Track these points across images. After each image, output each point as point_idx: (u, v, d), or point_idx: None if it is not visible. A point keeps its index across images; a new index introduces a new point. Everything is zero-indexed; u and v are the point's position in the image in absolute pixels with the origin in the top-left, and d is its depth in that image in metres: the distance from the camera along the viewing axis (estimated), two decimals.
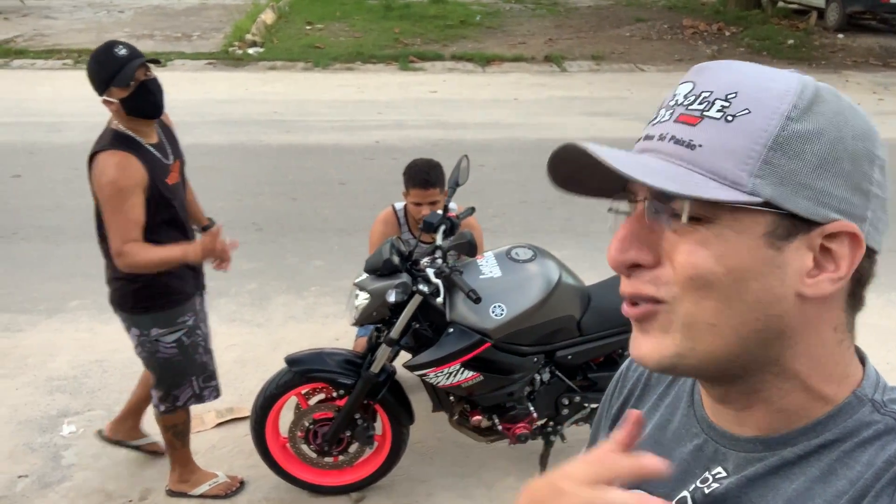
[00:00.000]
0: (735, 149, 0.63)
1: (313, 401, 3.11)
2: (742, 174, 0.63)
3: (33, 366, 4.01)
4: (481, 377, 2.81)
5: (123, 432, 3.36)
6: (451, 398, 3.00)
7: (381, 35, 12.98)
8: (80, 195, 6.18)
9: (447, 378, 2.80)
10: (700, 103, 0.66)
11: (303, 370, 2.98)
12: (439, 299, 2.75)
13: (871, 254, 0.68)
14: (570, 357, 2.95)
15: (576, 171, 0.71)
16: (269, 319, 4.50)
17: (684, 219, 0.65)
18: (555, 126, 8.37)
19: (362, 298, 2.81)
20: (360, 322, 2.87)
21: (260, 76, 10.58)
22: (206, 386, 3.06)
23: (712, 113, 0.65)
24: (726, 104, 0.65)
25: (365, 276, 2.87)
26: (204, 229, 3.19)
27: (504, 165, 7.05)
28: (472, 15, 14.72)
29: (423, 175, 3.26)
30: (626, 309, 0.70)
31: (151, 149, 2.74)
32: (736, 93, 0.65)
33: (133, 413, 3.35)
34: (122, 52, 2.61)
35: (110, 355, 4.12)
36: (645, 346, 0.69)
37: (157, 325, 2.85)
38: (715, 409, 0.76)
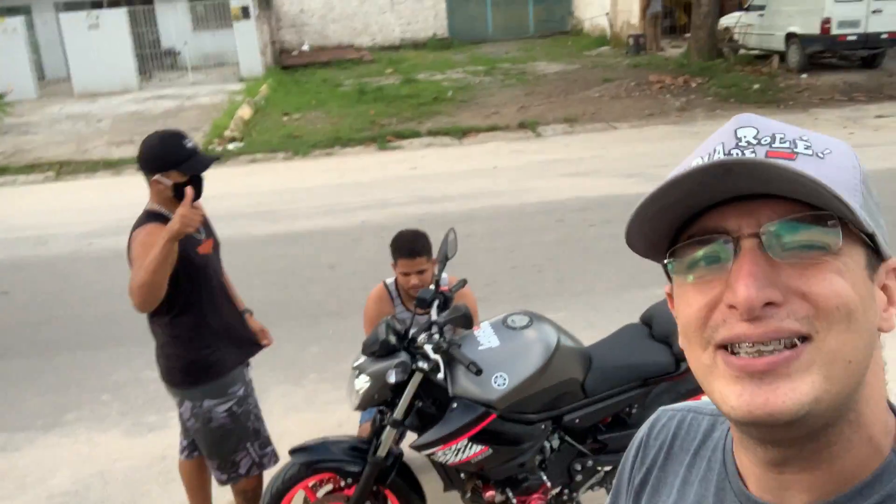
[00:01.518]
0: (842, 181, 0.63)
1: (321, 493, 3.04)
2: (856, 205, 0.62)
3: (32, 484, 3.92)
4: (490, 450, 2.76)
5: None
6: (462, 475, 2.94)
7: (357, 119, 13.22)
8: (70, 305, 6.19)
9: (455, 455, 2.75)
10: (782, 143, 0.66)
11: (308, 462, 2.92)
12: (440, 375, 2.72)
13: None
14: (577, 420, 2.91)
15: (650, 220, 0.69)
16: (269, 412, 4.41)
17: (831, 242, 0.62)
18: (536, 190, 8.47)
19: (362, 382, 2.77)
20: (363, 406, 2.83)
21: (242, 170, 10.71)
22: (264, 453, 3.12)
23: (801, 150, 0.65)
24: (808, 143, 0.65)
25: (363, 358, 2.84)
26: (243, 313, 3.29)
27: (490, 233, 7.09)
28: (444, 91, 15.05)
29: (409, 245, 3.29)
30: (755, 362, 0.62)
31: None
32: (806, 135, 0.67)
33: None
34: (191, 144, 2.84)
35: (111, 465, 4.03)
36: (778, 395, 0.61)
37: (208, 396, 2.94)
38: (759, 478, 0.70)
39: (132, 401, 4.68)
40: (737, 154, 0.65)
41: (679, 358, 2.89)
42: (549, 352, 2.81)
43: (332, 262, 6.72)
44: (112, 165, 11.24)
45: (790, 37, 14.35)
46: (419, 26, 24.24)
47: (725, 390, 0.64)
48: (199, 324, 2.92)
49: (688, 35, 16.98)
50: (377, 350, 2.77)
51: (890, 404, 0.70)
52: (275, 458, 3.16)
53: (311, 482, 2.99)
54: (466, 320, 2.74)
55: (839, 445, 0.65)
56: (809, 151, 0.65)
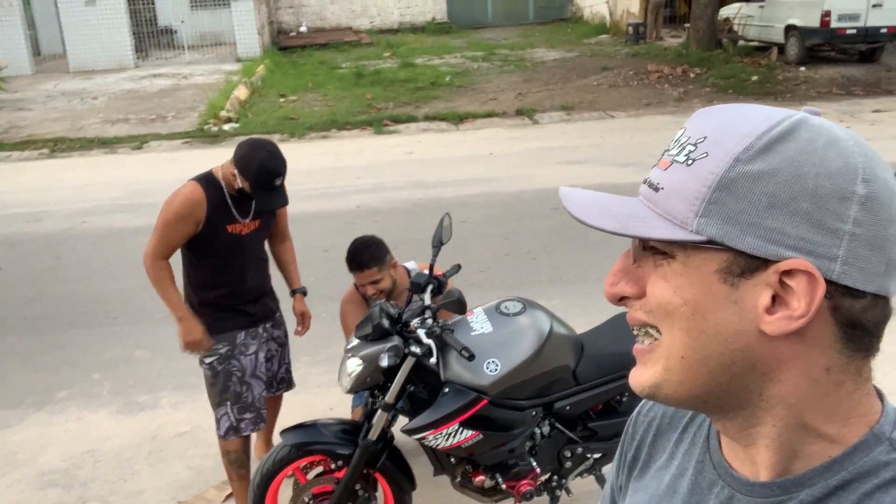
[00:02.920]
0: (686, 191, 0.67)
1: (311, 474, 3.05)
2: (689, 214, 0.66)
3: (23, 461, 3.92)
4: (481, 435, 2.77)
5: (261, 450, 3.84)
6: (452, 460, 2.95)
7: (354, 102, 13.17)
8: (63, 282, 6.17)
9: (446, 439, 2.76)
10: (678, 149, 0.70)
11: (298, 443, 2.93)
12: (433, 360, 2.72)
13: (858, 294, 0.65)
14: (568, 408, 2.92)
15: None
16: None
17: (658, 249, 0.70)
18: (532, 177, 8.46)
19: (355, 364, 2.78)
20: (355, 389, 2.84)
21: None
22: (241, 417, 3.27)
23: (680, 157, 0.69)
24: (693, 149, 0.69)
25: (356, 341, 2.85)
26: (293, 293, 3.65)
27: (485, 220, 7.09)
28: (442, 76, 14.99)
29: (356, 258, 3.26)
30: (634, 348, 0.75)
31: (229, 199, 3.13)
32: (705, 137, 0.68)
33: (265, 436, 3.85)
34: (279, 182, 3.03)
35: (101, 444, 4.04)
36: (634, 375, 0.74)
37: None
38: (729, 449, 0.77)
39: (123, 380, 4.68)
40: (665, 156, 0.72)
41: None
42: (541, 338, 2.81)
43: (326, 246, 6.70)
44: (107, 143, 11.17)
45: (790, 29, 14.32)
46: (418, 10, 24.09)
47: None
48: (206, 282, 3.25)
49: (688, 25, 16.91)
50: (370, 333, 2.77)
51: (876, 390, 0.72)
52: (252, 424, 3.30)
53: (301, 464, 3.00)
54: (460, 305, 2.74)
55: (763, 426, 0.71)
56: (685, 158, 0.69)
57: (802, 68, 13.85)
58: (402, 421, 2.94)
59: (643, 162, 8.63)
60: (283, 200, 3.11)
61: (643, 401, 0.93)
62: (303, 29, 23.23)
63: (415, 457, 3.18)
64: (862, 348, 0.68)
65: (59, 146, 11.19)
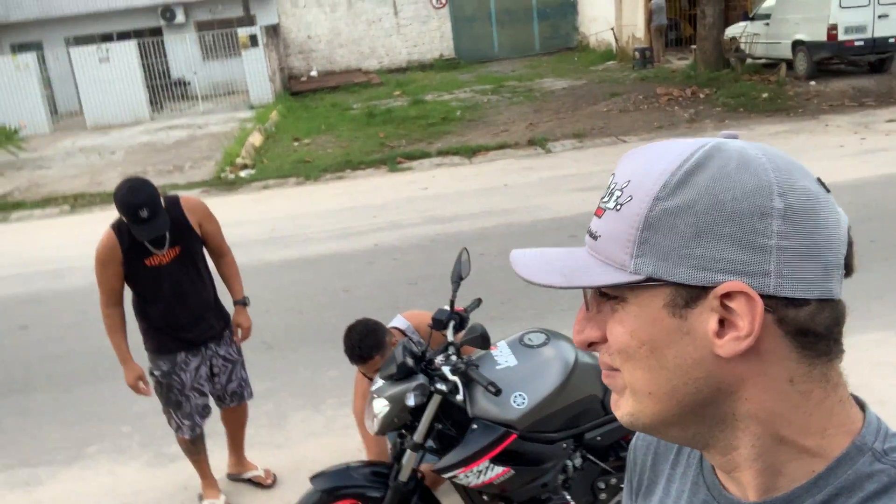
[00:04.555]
0: (618, 235, 0.70)
1: None
2: (626, 257, 0.69)
3: None
4: (512, 471, 2.75)
5: (233, 467, 4.12)
6: (485, 497, 2.92)
7: (367, 141, 13.29)
8: (88, 339, 6.22)
9: (477, 476, 2.74)
10: (608, 195, 0.73)
11: (329, 488, 2.91)
12: (459, 396, 2.71)
13: (802, 303, 0.67)
14: (599, 438, 2.89)
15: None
16: (289, 438, 4.43)
17: (609, 295, 0.73)
18: (547, 206, 8.47)
19: (381, 406, 2.77)
20: (382, 430, 2.82)
21: (254, 196, 10.77)
22: (182, 423, 3.74)
23: (610, 204, 0.72)
24: (620, 194, 0.72)
25: (381, 382, 2.84)
26: (235, 304, 3.89)
27: (503, 251, 7.08)
28: (452, 111, 15.12)
29: (356, 352, 3.17)
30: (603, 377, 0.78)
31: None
32: (629, 181, 0.71)
33: (232, 451, 4.10)
34: (144, 214, 3.23)
35: (134, 497, 4.04)
36: (613, 404, 0.77)
37: (149, 360, 3.71)
38: (722, 474, 0.78)
39: (152, 432, 4.69)
40: (600, 204, 0.75)
41: None
42: (567, 369, 2.80)
43: (346, 286, 6.73)
44: None
45: (797, 44, 14.34)
46: (426, 48, 24.40)
47: None
48: (144, 312, 3.63)
49: (694, 46, 16.99)
50: (395, 373, 2.76)
51: (859, 403, 0.74)
52: (190, 431, 3.75)
53: None
54: (483, 340, 2.73)
55: (744, 448, 0.72)
56: (615, 204, 0.72)
57: (813, 83, 13.84)
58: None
59: None
60: (158, 229, 3.29)
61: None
62: (313, 73, 23.58)
63: (447, 496, 3.15)
64: (821, 353, 0.69)
65: (79, 202, 11.36)
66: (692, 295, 0.68)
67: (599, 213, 0.74)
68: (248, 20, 20.44)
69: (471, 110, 15.19)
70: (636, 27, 19.88)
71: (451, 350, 2.80)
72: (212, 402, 3.87)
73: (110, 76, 18.27)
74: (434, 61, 23.88)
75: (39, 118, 18.23)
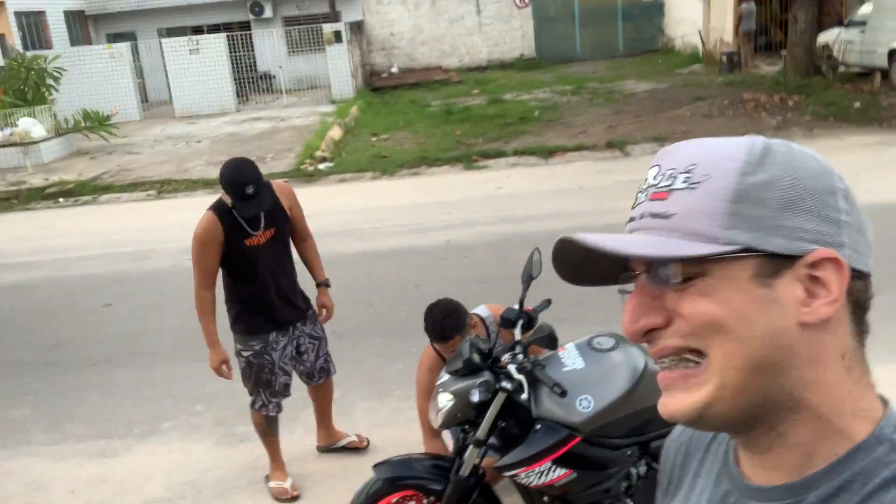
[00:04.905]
0: (703, 209, 0.72)
1: None
2: (716, 229, 0.71)
3: (130, 490, 4.08)
4: (574, 474, 2.73)
5: (324, 439, 4.27)
6: (546, 499, 2.91)
7: (444, 139, 13.35)
8: (168, 318, 6.44)
9: (539, 477, 2.73)
10: (667, 180, 0.75)
11: (391, 478, 2.95)
12: (524, 395, 2.70)
13: (861, 276, 0.73)
14: None
15: (581, 262, 0.80)
16: (354, 427, 4.49)
17: (678, 278, 0.72)
18: (622, 210, 8.26)
19: (445, 400, 2.79)
20: (446, 425, 2.84)
21: (331, 189, 10.96)
22: (270, 401, 3.87)
23: (678, 185, 0.74)
24: (689, 175, 0.74)
25: (447, 377, 2.86)
26: (317, 286, 4.07)
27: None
28: (531, 111, 15.05)
29: (438, 331, 3.16)
30: (663, 376, 0.75)
31: (239, 218, 3.55)
32: (695, 164, 0.74)
33: (321, 424, 4.25)
34: (250, 191, 3.41)
35: (203, 475, 4.16)
36: (673, 403, 0.75)
37: (237, 342, 3.81)
38: (745, 459, 0.80)
39: (224, 412, 4.83)
40: (639, 197, 0.78)
41: None
42: (635, 375, 2.76)
43: (417, 281, 6.78)
44: (210, 184, 11.67)
45: (894, 53, 13.74)
46: (506, 47, 24.35)
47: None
48: (239, 293, 3.73)
49: (784, 52, 16.46)
50: (461, 369, 2.77)
51: (882, 399, 0.76)
52: (277, 408, 3.90)
53: (394, 498, 3.01)
54: (551, 340, 2.72)
55: (785, 426, 0.73)
56: (685, 184, 0.74)
57: None
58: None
59: None
60: (262, 206, 3.49)
61: (674, 430, 0.97)
62: (394, 70, 23.82)
63: (507, 494, 3.15)
64: (863, 331, 0.75)
65: (165, 187, 11.77)
66: (779, 265, 0.71)
67: (661, 196, 0.75)
68: (334, 16, 20.78)
69: (549, 111, 15.09)
70: (724, 30, 19.37)
71: (518, 349, 2.79)
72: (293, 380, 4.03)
73: (199, 67, 18.86)
74: (514, 61, 23.81)
75: (131, 106, 18.95)
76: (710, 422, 0.74)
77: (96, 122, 14.87)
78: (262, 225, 3.63)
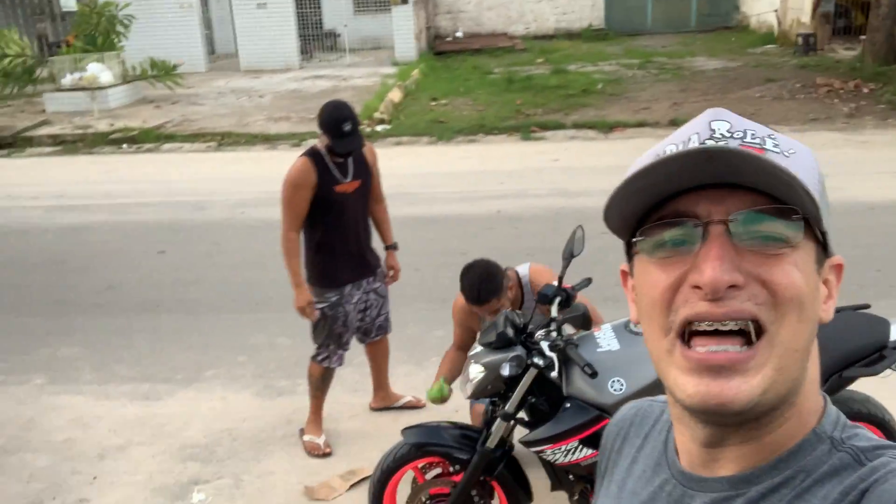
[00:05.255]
0: (806, 180, 0.67)
1: (430, 475, 3.08)
2: (821, 202, 0.69)
3: (169, 434, 4.21)
4: None
5: (381, 400, 4.33)
6: (571, 477, 2.90)
7: (503, 107, 13.21)
8: (219, 269, 6.58)
9: (565, 455, 2.71)
10: (753, 139, 0.70)
11: (419, 444, 2.97)
12: (554, 373, 2.69)
13: None
14: None
15: (626, 198, 0.73)
16: (391, 388, 4.53)
17: (798, 238, 0.68)
18: None
19: (476, 371, 2.79)
20: (475, 395, 2.84)
21: (387, 151, 10.95)
22: (338, 354, 3.98)
23: (770, 146, 0.70)
24: (776, 142, 0.71)
25: (480, 348, 2.85)
26: (386, 248, 4.22)
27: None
28: (594, 83, 14.77)
29: (475, 294, 3.16)
30: (713, 356, 0.67)
31: (330, 164, 3.71)
32: (773, 134, 0.72)
33: (378, 385, 4.33)
34: (347, 128, 3.60)
35: (240, 424, 4.27)
36: (731, 390, 0.67)
37: (313, 294, 3.85)
38: (692, 453, 0.77)
39: (265, 364, 4.93)
40: (712, 144, 0.69)
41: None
42: None
43: (464, 249, 6.75)
44: (269, 139, 11.82)
45: None
46: (575, 16, 23.87)
47: (681, 378, 0.69)
48: (321, 242, 3.80)
49: (863, 37, 15.78)
50: (494, 341, 2.77)
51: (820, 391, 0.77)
52: (339, 361, 4.00)
53: (420, 463, 3.05)
54: (585, 320, 2.68)
55: (775, 423, 0.72)
56: (777, 149, 0.70)
57: None
58: (521, 431, 2.92)
59: None
60: (359, 143, 3.68)
61: (617, 413, 0.96)
62: (458, 34, 23.58)
63: (533, 469, 3.15)
64: None
65: (225, 140, 11.94)
66: (821, 260, 0.72)
67: (759, 151, 0.69)
68: None
69: (613, 84, 14.79)
70: (802, 11, 18.64)
71: (553, 326, 2.77)
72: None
73: (267, 22, 18.96)
74: (582, 31, 23.33)
75: (197, 57, 19.19)
76: (761, 408, 0.68)
77: (163, 72, 15.11)
78: (351, 174, 3.78)
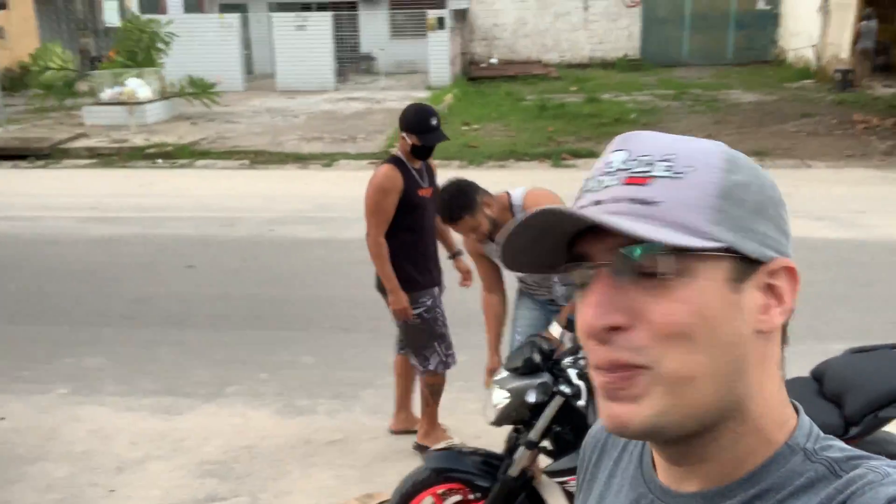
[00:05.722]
0: (691, 201, 0.67)
1: (449, 502, 3.01)
2: (703, 223, 0.67)
3: (188, 449, 4.18)
4: None
5: (402, 423, 4.27)
6: None
7: (535, 134, 13.21)
8: (246, 286, 6.59)
9: None
10: (643, 166, 0.70)
11: (439, 468, 2.91)
12: (581, 402, 2.62)
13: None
14: None
15: (526, 244, 0.73)
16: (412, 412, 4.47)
17: (669, 271, 0.67)
18: None
19: (501, 397, 2.72)
20: (498, 422, 2.78)
21: None
22: (449, 353, 4.04)
23: (659, 172, 0.69)
24: (670, 163, 0.69)
25: (505, 373, 2.79)
26: (452, 256, 4.31)
27: None
28: (627, 112, 14.74)
29: (445, 213, 3.25)
30: (601, 377, 0.69)
31: (412, 170, 3.84)
32: (674, 153, 0.70)
33: (402, 406, 4.28)
34: (434, 122, 3.78)
35: (259, 441, 4.23)
36: (624, 413, 0.69)
37: (409, 302, 3.87)
38: (664, 468, 0.77)
39: (287, 383, 4.90)
40: (603, 180, 0.71)
41: (849, 421, 2.61)
42: None
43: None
44: (301, 159, 11.90)
45: None
46: (610, 46, 23.90)
47: (600, 404, 0.71)
48: (407, 244, 3.87)
49: None
50: (520, 367, 2.71)
51: (794, 406, 0.75)
52: (454, 359, 4.07)
53: (440, 489, 2.98)
54: None
55: (726, 439, 0.71)
56: (668, 172, 0.69)
57: None
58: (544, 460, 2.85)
59: (840, 217, 7.99)
60: (443, 136, 3.82)
61: (595, 425, 0.95)
62: (493, 60, 23.71)
63: (555, 499, 3.07)
64: (786, 340, 0.74)
65: (258, 158, 12.05)
66: (747, 270, 0.69)
67: (642, 181, 0.69)
68: (440, 2, 20.84)
69: (647, 114, 14.74)
70: (840, 47, 18.48)
71: (581, 353, 2.70)
72: None
73: (305, 44, 19.22)
74: (617, 60, 23.35)
75: (235, 76, 19.47)
76: (661, 433, 0.70)
77: (200, 89, 15.35)
78: (427, 181, 3.91)
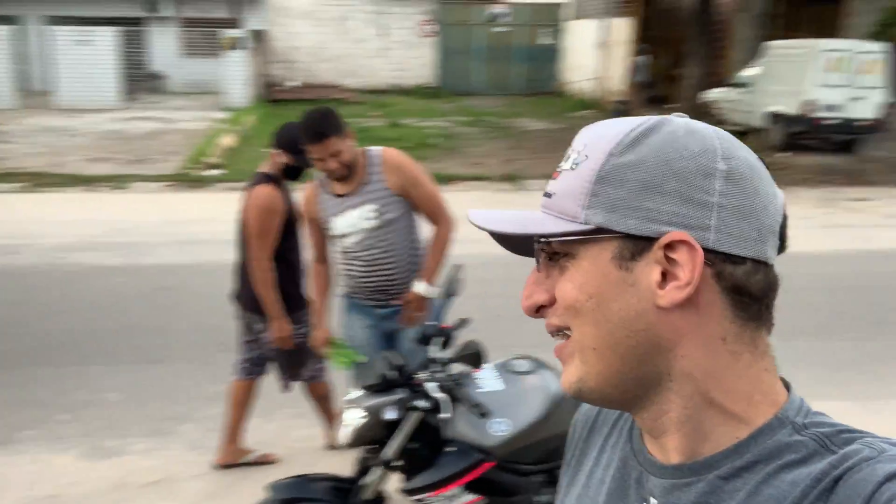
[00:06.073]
0: (572, 189, 0.74)
1: None
2: (577, 209, 0.73)
3: None
4: (484, 500, 2.61)
5: (230, 456, 3.96)
6: None
7: None
8: (36, 319, 5.93)
9: (449, 502, 2.59)
10: (566, 160, 0.77)
11: (286, 499, 2.74)
12: (441, 415, 2.57)
13: (738, 260, 0.71)
14: None
15: (509, 244, 0.84)
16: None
17: (558, 252, 0.76)
18: None
19: (357, 417, 2.62)
20: (354, 443, 2.67)
21: (221, 196, 10.52)
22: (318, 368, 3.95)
23: (567, 166, 0.76)
24: (577, 156, 0.76)
25: (360, 392, 2.69)
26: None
27: (473, 281, 6.97)
28: (428, 137, 15.08)
29: (315, 127, 3.15)
30: (555, 348, 0.78)
31: (288, 189, 3.70)
32: (585, 145, 0.76)
33: (231, 437, 3.95)
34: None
35: (65, 489, 3.79)
36: (564, 376, 0.78)
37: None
38: (648, 441, 0.80)
39: (92, 423, 4.45)
40: (557, 170, 0.79)
41: None
42: (553, 400, 2.68)
43: None
44: (86, 181, 11.00)
45: (772, 115, 14.65)
46: (408, 73, 24.44)
47: None
48: (293, 266, 3.76)
49: (670, 106, 17.29)
50: (375, 385, 2.62)
51: (785, 384, 0.76)
52: (324, 373, 3.98)
53: None
54: (476, 359, 2.61)
55: (675, 410, 0.74)
56: (570, 164, 0.76)
57: (784, 154, 14.12)
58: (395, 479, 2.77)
59: None
60: None
61: (583, 405, 0.97)
62: (293, 83, 23.41)
63: None
64: (752, 317, 0.73)
65: (38, 180, 10.99)
66: (638, 247, 0.71)
67: (556, 175, 0.77)
68: (235, 22, 20.26)
69: (448, 139, 15.17)
70: (617, 80, 20.17)
71: (436, 366, 2.66)
72: None
73: (88, 59, 17.91)
74: (415, 87, 23.91)
75: (3, 91, 17.71)
76: (588, 396, 0.77)
77: None
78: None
